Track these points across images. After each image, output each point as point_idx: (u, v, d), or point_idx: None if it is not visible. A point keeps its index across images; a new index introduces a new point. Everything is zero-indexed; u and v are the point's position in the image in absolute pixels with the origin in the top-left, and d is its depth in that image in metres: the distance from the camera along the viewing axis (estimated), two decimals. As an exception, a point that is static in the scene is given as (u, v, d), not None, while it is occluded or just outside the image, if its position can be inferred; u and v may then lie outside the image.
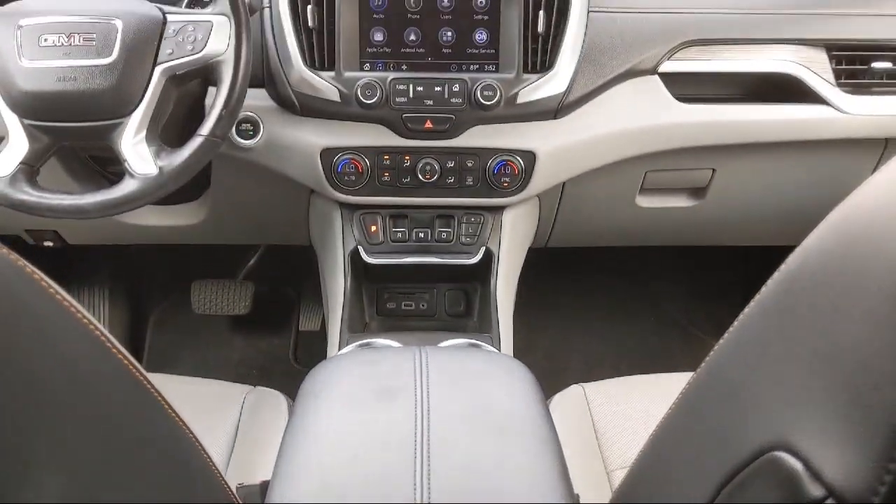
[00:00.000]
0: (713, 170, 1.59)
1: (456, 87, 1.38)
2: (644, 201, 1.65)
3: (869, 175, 1.53)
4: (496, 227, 1.52)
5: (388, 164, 1.45)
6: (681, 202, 1.66)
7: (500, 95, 1.37)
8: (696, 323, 2.23)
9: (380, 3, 1.38)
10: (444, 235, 1.52)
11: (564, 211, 1.64)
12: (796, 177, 1.61)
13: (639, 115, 1.46)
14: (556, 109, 1.40)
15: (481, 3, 1.38)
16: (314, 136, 1.43)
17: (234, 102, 1.20)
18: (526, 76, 1.39)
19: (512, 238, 1.54)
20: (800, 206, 1.68)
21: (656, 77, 1.44)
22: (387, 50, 1.40)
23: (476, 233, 1.52)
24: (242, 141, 1.42)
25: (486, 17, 1.39)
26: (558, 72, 1.38)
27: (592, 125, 1.45)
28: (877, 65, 1.47)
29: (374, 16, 1.38)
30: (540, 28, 1.38)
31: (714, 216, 1.69)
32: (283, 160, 1.45)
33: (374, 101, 1.37)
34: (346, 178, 1.45)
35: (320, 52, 1.38)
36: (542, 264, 1.76)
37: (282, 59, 1.37)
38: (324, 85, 1.37)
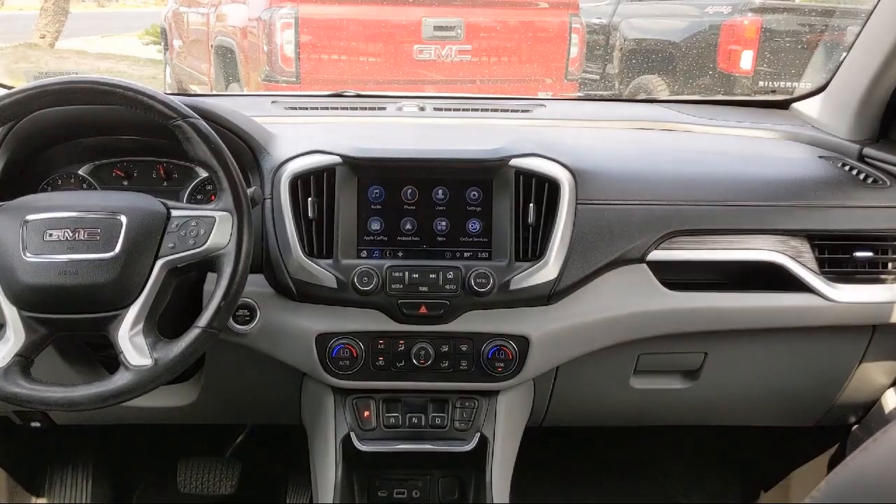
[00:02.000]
0: (705, 353, 1.60)
1: (450, 275, 1.42)
2: (638, 383, 1.65)
3: (858, 361, 1.54)
4: (490, 412, 1.51)
5: (383, 349, 1.45)
6: (674, 384, 1.66)
7: (494, 282, 1.40)
8: (694, 499, 2.18)
9: (377, 194, 1.44)
10: (437, 420, 1.50)
11: (559, 392, 1.64)
12: (787, 361, 1.63)
13: (629, 301, 1.49)
14: (548, 295, 1.43)
15: (474, 195, 1.44)
16: (310, 322, 1.44)
17: (233, 294, 1.22)
18: (518, 264, 1.43)
19: (507, 423, 1.53)
20: (791, 389, 1.69)
21: (644, 265, 1.49)
22: (383, 238, 1.44)
23: (470, 418, 1.51)
24: (238, 326, 1.43)
25: (478, 209, 1.44)
26: (549, 260, 1.42)
27: (584, 311, 1.47)
28: (859, 254, 1.52)
29: (372, 206, 1.44)
30: (530, 219, 1.43)
31: (708, 397, 1.69)
32: (278, 345, 1.46)
33: (370, 287, 1.39)
34: (340, 362, 1.45)
35: (319, 242, 1.42)
36: (538, 441, 1.73)
37: (281, 248, 1.41)
38: (321, 272, 1.40)
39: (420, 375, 1.47)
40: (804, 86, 1.97)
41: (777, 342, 1.58)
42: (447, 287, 1.41)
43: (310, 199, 1.41)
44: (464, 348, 1.46)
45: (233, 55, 5.74)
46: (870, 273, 1.53)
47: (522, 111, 1.92)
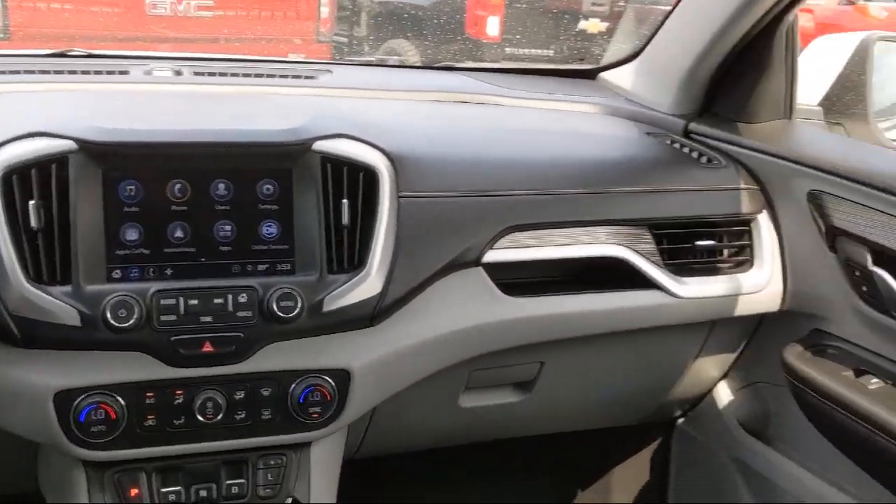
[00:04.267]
0: (542, 363, 1.40)
1: (243, 297, 1.07)
2: (468, 401, 1.42)
3: (695, 356, 1.43)
4: (304, 468, 1.19)
5: (153, 404, 1.08)
6: (507, 398, 1.45)
7: (302, 304, 1.07)
8: None
9: (132, 191, 1.04)
10: (235, 490, 1.16)
11: (377, 421, 1.36)
12: (625, 363, 1.48)
13: (465, 313, 1.23)
14: (371, 316, 1.13)
15: (268, 190, 1.09)
16: (43, 376, 1.04)
17: None
18: (332, 278, 1.11)
19: (324, 478, 1.22)
20: (625, 390, 1.55)
21: (480, 269, 1.24)
22: (144, 252, 1.05)
23: (278, 480, 1.18)
24: None
25: (274, 207, 1.10)
26: (370, 271, 1.12)
27: (416, 331, 1.19)
28: (700, 243, 1.38)
29: (126, 209, 1.04)
30: (344, 219, 1.11)
31: (541, 408, 1.50)
32: (1, 411, 1.04)
33: (130, 322, 1.01)
34: (92, 428, 1.05)
35: (50, 261, 1.01)
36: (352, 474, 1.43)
37: None
38: (56, 305, 0.99)
39: (207, 434, 1.11)
40: (612, 54, 1.81)
41: (617, 344, 1.41)
42: (239, 314, 1.06)
43: (32, 202, 0.99)
44: (266, 393, 1.12)
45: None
46: (708, 263, 1.40)
47: (306, 77, 1.58)
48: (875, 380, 1.27)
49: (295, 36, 5.57)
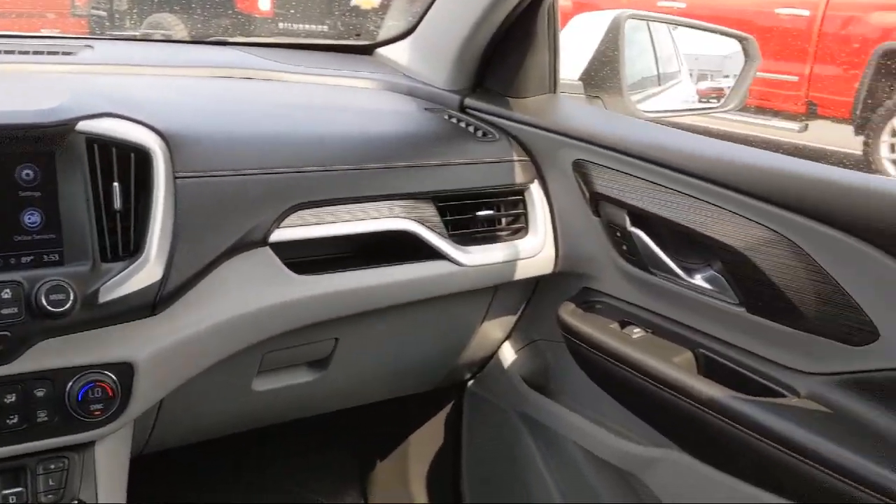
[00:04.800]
0: (336, 339, 1.40)
1: (7, 294, 0.98)
2: (261, 384, 1.39)
3: (481, 320, 1.51)
4: (89, 468, 1.12)
5: None
6: (302, 377, 1.44)
7: (75, 297, 1.00)
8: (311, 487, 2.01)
9: None
10: (13, 500, 1.06)
11: (164, 414, 1.30)
12: (417, 332, 1.52)
13: (255, 295, 1.21)
14: (152, 304, 1.08)
15: (28, 175, 1.01)
16: None
17: None
18: (106, 266, 1.05)
19: (111, 478, 1.16)
20: (419, 358, 1.60)
21: (268, 249, 1.21)
22: None
23: (61, 485, 1.10)
24: None
25: (37, 194, 1.01)
26: (148, 257, 1.06)
27: (203, 316, 1.15)
28: (481, 213, 1.44)
29: None
30: (117, 203, 1.05)
31: (337, 384, 1.50)
32: None
33: None
34: None
35: None
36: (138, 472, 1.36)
37: None
38: None
39: None
40: (387, 30, 1.83)
41: (409, 314, 1.45)
42: (4, 311, 0.98)
43: None
44: (40, 394, 1.04)
45: None
46: (489, 231, 1.47)
47: (64, 53, 1.46)
48: (637, 329, 1.40)
49: (47, 10, 5.10)
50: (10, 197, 0.99)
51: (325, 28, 6.81)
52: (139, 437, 1.31)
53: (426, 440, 1.90)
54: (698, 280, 1.31)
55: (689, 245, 1.32)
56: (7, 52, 1.40)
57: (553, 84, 1.62)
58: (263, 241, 1.20)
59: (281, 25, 6.69)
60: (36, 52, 1.43)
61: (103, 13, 6.36)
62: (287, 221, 1.22)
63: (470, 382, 1.79)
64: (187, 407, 1.32)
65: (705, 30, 2.06)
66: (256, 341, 1.24)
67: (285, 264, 1.23)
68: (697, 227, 1.26)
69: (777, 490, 1.18)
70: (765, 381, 1.22)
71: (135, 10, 6.49)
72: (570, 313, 1.48)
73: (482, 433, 1.80)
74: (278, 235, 1.22)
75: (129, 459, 1.27)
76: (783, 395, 1.19)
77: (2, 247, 0.99)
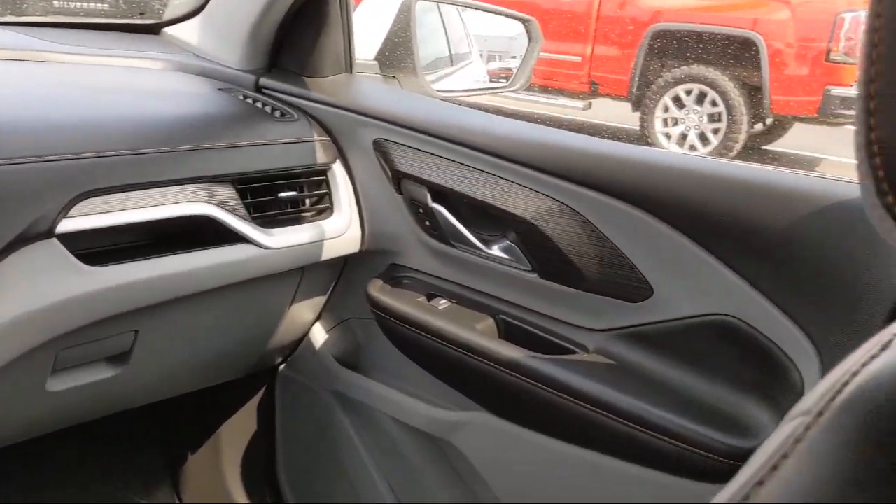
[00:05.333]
0: (136, 331, 1.35)
1: None
2: (56, 384, 1.31)
3: (289, 303, 1.51)
4: None
5: None
6: (101, 374, 1.37)
7: None
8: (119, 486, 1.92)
9: None
10: None
11: None
12: (223, 319, 1.49)
13: (41, 291, 1.13)
14: None
15: None
16: None
17: None
18: None
19: None
20: (226, 346, 1.56)
21: (55, 241, 1.14)
22: None
23: None
24: None
25: None
26: None
27: None
28: (283, 194, 1.43)
29: None
30: None
31: (139, 378, 1.44)
32: None
33: None
34: None
35: None
36: None
37: None
38: None
39: None
40: (174, 9, 1.76)
41: (213, 301, 1.41)
42: None
43: None
44: None
45: None
46: (293, 213, 1.46)
47: None
48: (443, 301, 1.46)
49: None
50: None
51: (106, 7, 6.40)
52: None
53: (239, 428, 1.87)
54: (495, 251, 1.39)
55: (486, 218, 1.39)
56: None
57: (349, 64, 1.63)
58: (49, 233, 1.13)
59: (56, 3, 6.21)
60: None
61: None
62: (75, 210, 1.16)
63: (282, 366, 1.78)
64: None
65: (491, 12, 2.15)
66: (48, 339, 1.17)
67: (77, 256, 1.17)
68: (492, 200, 1.33)
69: (574, 440, 1.28)
70: (557, 340, 1.32)
71: None
72: (378, 290, 1.51)
73: (296, 416, 1.80)
74: (66, 226, 1.15)
75: None
76: (574, 352, 1.29)
77: None
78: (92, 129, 1.23)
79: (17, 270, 1.10)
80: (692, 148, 6.92)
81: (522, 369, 1.28)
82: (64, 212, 1.14)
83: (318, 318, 1.71)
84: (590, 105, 7.63)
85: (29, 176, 1.11)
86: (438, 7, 2.12)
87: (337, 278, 1.66)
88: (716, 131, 6.92)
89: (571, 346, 1.30)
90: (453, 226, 1.41)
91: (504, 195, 1.32)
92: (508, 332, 1.38)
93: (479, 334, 1.36)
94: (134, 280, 1.24)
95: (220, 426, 1.89)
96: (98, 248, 1.22)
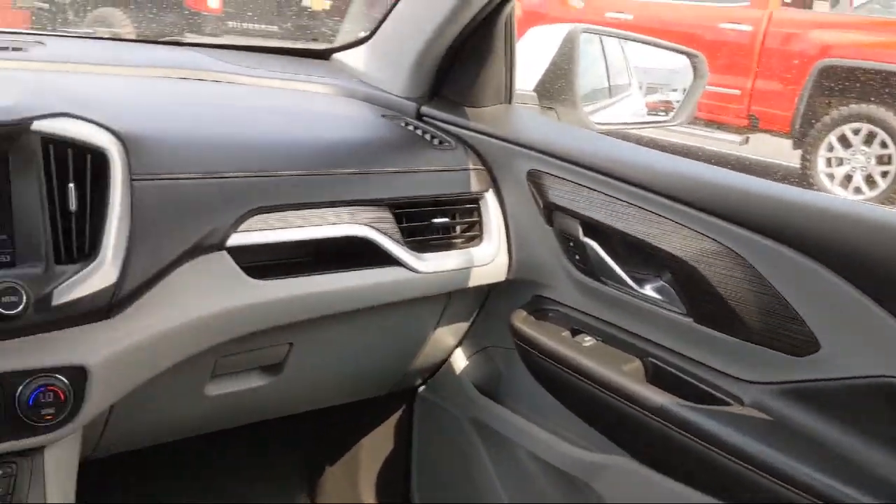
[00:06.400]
0: (290, 344, 1.40)
1: None
2: (214, 389, 1.38)
3: (434, 326, 1.52)
4: (38, 474, 1.10)
5: None
6: (255, 382, 1.43)
7: (27, 299, 0.99)
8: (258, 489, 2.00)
9: None
10: None
11: (116, 416, 1.28)
12: (371, 337, 1.53)
13: (211, 300, 1.20)
14: (107, 307, 1.07)
15: None
16: None
17: None
18: (60, 269, 1.03)
19: (60, 483, 1.13)
20: (372, 364, 1.60)
21: (225, 253, 1.21)
22: None
23: (8, 491, 1.07)
24: None
25: None
26: (104, 259, 1.05)
27: (158, 321, 1.14)
28: (437, 220, 1.46)
29: None
30: (72, 204, 1.04)
31: (290, 388, 1.50)
32: None
33: None
34: None
35: None
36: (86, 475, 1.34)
37: None
38: None
39: None
40: (346, 35, 1.83)
41: (364, 320, 1.45)
42: None
43: None
44: None
45: None
46: (444, 239, 1.48)
47: (14, 49, 1.43)
48: (588, 338, 1.43)
49: (-13, 0, 4.97)
50: None
51: (275, 28, 6.77)
52: (88, 440, 1.28)
53: (376, 445, 1.90)
54: (648, 290, 1.35)
55: (640, 256, 1.36)
56: None
57: (509, 95, 1.64)
58: (220, 246, 1.20)
59: (230, 24, 6.62)
60: None
61: (46, 5, 6.21)
62: (244, 226, 1.22)
63: (421, 388, 1.80)
64: (138, 411, 1.31)
65: (656, 46, 2.11)
66: (211, 346, 1.24)
67: (242, 269, 1.23)
68: (648, 238, 1.30)
69: (721, 495, 1.22)
70: (710, 390, 1.26)
71: (79, 3, 6.36)
72: (522, 321, 1.50)
73: (432, 438, 1.81)
74: (235, 240, 1.21)
75: (78, 463, 1.25)
76: (728, 404, 1.23)
77: None
78: (264, 148, 1.29)
79: (189, 279, 1.17)
80: (857, 191, 6.52)
81: (671, 417, 1.23)
82: (235, 226, 1.21)
83: (459, 344, 1.72)
84: (747, 140, 7.35)
85: (205, 191, 1.18)
86: (601, 39, 2.11)
87: (481, 306, 1.67)
88: (884, 174, 6.48)
89: (725, 398, 1.24)
90: (604, 261, 1.39)
91: (660, 233, 1.28)
92: (657, 376, 1.34)
93: (626, 376, 1.32)
94: (294, 295, 1.29)
95: (359, 441, 1.93)
96: (261, 262, 1.27)
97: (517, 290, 1.57)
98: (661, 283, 1.34)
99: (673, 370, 1.32)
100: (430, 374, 1.76)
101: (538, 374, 1.50)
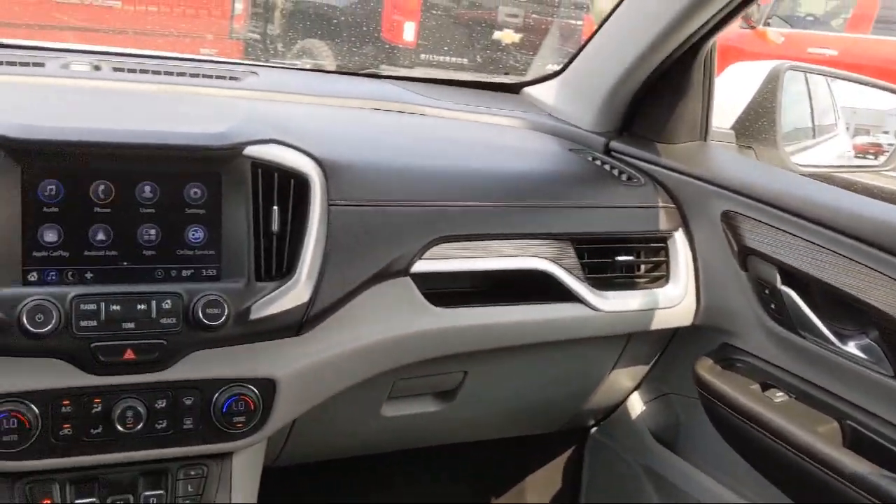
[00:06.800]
0: (465, 372, 1.41)
1: (167, 303, 1.04)
2: (390, 410, 1.42)
3: (611, 367, 1.47)
4: (225, 479, 1.16)
5: (70, 413, 1.03)
6: (429, 406, 1.46)
7: (228, 312, 1.05)
8: None
9: (53, 191, 1.00)
10: (153, 502, 1.12)
11: (297, 430, 1.34)
12: (545, 373, 1.51)
13: (393, 324, 1.23)
14: (298, 324, 1.12)
15: (195, 193, 1.07)
16: None
17: None
18: (259, 285, 1.09)
19: (245, 488, 1.20)
20: (544, 399, 1.58)
21: (409, 279, 1.24)
22: (63, 254, 1.01)
23: (198, 491, 1.14)
24: None
25: (202, 212, 1.07)
26: (299, 279, 1.11)
27: (342, 340, 1.19)
28: (620, 258, 1.42)
29: (46, 209, 1.00)
30: (274, 226, 1.10)
31: (461, 417, 1.51)
32: None
33: (47, 328, 0.97)
34: (3, 438, 1.00)
35: None
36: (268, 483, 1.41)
37: None
38: None
39: (126, 443, 1.07)
40: (537, 69, 1.84)
41: (539, 354, 1.44)
42: (163, 321, 1.03)
43: None
44: (188, 402, 1.09)
45: None
46: (627, 278, 1.44)
47: (231, 78, 1.55)
48: (780, 393, 1.34)
49: (207, 32, 5.43)
50: (177, 213, 1.05)
51: (466, 61, 6.95)
52: (272, 449, 1.35)
53: (544, 483, 1.87)
54: (851, 347, 1.24)
55: (843, 309, 1.26)
56: (178, 75, 1.49)
57: (704, 132, 1.58)
58: (405, 271, 1.23)
59: (423, 56, 6.87)
60: (205, 76, 1.52)
61: (257, 37, 6.72)
62: (428, 253, 1.24)
63: (594, 429, 1.75)
64: (319, 424, 1.36)
65: (870, 85, 1.96)
66: (391, 368, 1.27)
67: (423, 295, 1.25)
68: (853, 290, 1.20)
69: None
70: None
71: (285, 36, 6.84)
72: (707, 369, 1.43)
73: (603, 482, 1.76)
74: (419, 266, 1.24)
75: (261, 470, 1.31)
76: None
77: (167, 259, 1.05)
78: (452, 179, 1.32)
79: (374, 302, 1.20)
80: None
81: (870, 487, 1.12)
82: (420, 253, 1.23)
83: (637, 388, 1.66)
84: (967, 188, 6.68)
85: (396, 218, 1.22)
86: (805, 75, 1.99)
87: (662, 350, 1.60)
88: None
89: None
90: (803, 312, 1.29)
91: (868, 286, 1.18)
92: (856, 441, 1.23)
93: (821, 438, 1.22)
94: (473, 324, 1.29)
95: (526, 476, 1.91)
96: (440, 289, 1.29)
97: (703, 336, 1.49)
98: (867, 340, 1.23)
99: (875, 436, 1.20)
100: (604, 415, 1.72)
101: (722, 428, 1.42)
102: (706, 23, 1.40)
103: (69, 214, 1.01)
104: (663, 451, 1.59)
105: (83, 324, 0.99)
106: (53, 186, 1.00)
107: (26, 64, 1.40)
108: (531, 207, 1.35)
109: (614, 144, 1.59)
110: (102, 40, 4.76)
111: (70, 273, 1.01)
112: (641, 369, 1.62)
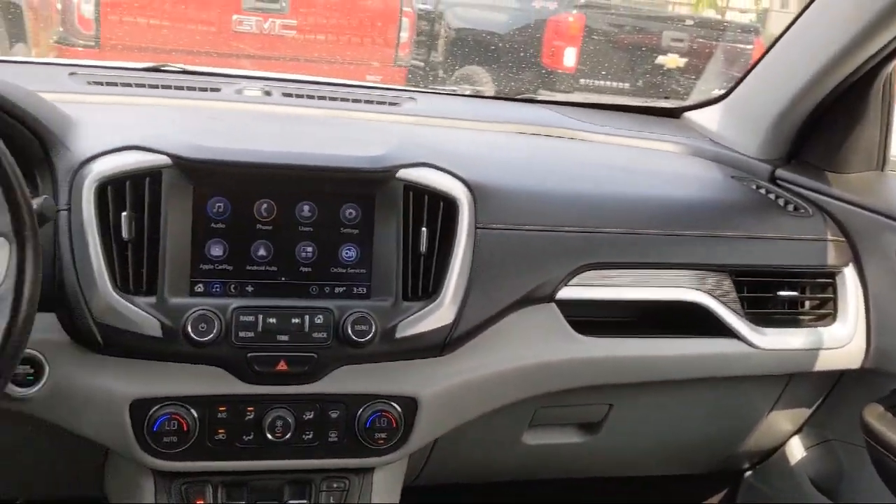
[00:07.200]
0: (610, 405, 1.37)
1: (319, 318, 1.08)
2: (531, 438, 1.40)
3: (769, 409, 1.38)
4: (365, 493, 1.19)
5: (225, 419, 1.09)
6: (572, 438, 1.42)
7: (375, 329, 1.08)
8: None
9: (221, 208, 1.06)
10: None
11: (439, 451, 1.35)
12: (697, 411, 1.44)
13: (537, 350, 1.22)
14: (442, 345, 1.13)
15: (351, 213, 1.10)
16: (122, 384, 1.06)
17: (10, 352, 0.83)
18: (406, 304, 1.11)
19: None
20: (695, 438, 1.51)
21: (553, 305, 1.22)
22: (227, 268, 1.07)
23: (340, 501, 1.17)
24: (18, 389, 1.02)
25: (355, 232, 1.11)
26: (445, 299, 1.12)
27: (485, 363, 1.18)
28: (782, 293, 1.34)
29: (213, 225, 1.06)
30: (422, 247, 1.12)
31: (606, 450, 1.47)
32: (76, 415, 1.07)
33: (209, 337, 1.03)
34: (165, 439, 1.07)
35: (137, 272, 1.03)
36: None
37: (81, 280, 1.01)
38: (140, 316, 1.02)
39: (274, 452, 1.12)
40: (699, 94, 1.78)
41: (690, 391, 1.38)
42: (315, 335, 1.07)
43: (124, 213, 1.02)
44: (334, 415, 1.12)
45: (18, 10, 4.92)
46: (790, 314, 1.36)
47: (390, 103, 1.60)
48: (963, 449, 1.22)
49: (373, 59, 5.65)
50: (333, 232, 1.10)
51: (626, 85, 6.84)
52: (412, 468, 1.36)
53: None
54: None
55: None
56: (342, 100, 1.56)
57: (882, 161, 1.47)
58: (550, 298, 1.21)
59: (582, 81, 6.82)
60: (366, 101, 1.58)
61: (420, 63, 6.92)
62: (575, 280, 1.22)
63: (748, 473, 1.66)
64: (460, 447, 1.36)
65: None
66: (533, 395, 1.25)
67: (569, 323, 1.23)
68: None
69: None
70: None
71: (447, 63, 7.00)
72: (877, 417, 1.32)
73: (757, 530, 1.65)
74: (566, 293, 1.22)
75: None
76: None
77: (321, 276, 1.09)
78: (603, 205, 1.29)
79: (518, 327, 1.20)
80: None
81: None
82: (566, 280, 1.21)
83: (797, 432, 1.55)
84: None
85: (543, 243, 1.21)
86: None
87: (827, 393, 1.50)
88: None
89: None
90: None
91: None
92: None
93: None
94: (620, 355, 1.26)
95: None
96: (586, 317, 1.26)
97: (873, 380, 1.38)
98: None
99: None
100: (760, 459, 1.62)
101: (890, 481, 1.30)
102: (886, 45, 1.30)
103: (234, 230, 1.07)
104: (823, 500, 1.48)
105: (242, 334, 1.05)
106: (221, 204, 1.06)
107: (204, 89, 1.50)
108: (688, 236, 1.30)
109: (781, 172, 1.51)
110: (275, 67, 5.06)
111: (233, 286, 1.07)
112: (803, 412, 1.52)
